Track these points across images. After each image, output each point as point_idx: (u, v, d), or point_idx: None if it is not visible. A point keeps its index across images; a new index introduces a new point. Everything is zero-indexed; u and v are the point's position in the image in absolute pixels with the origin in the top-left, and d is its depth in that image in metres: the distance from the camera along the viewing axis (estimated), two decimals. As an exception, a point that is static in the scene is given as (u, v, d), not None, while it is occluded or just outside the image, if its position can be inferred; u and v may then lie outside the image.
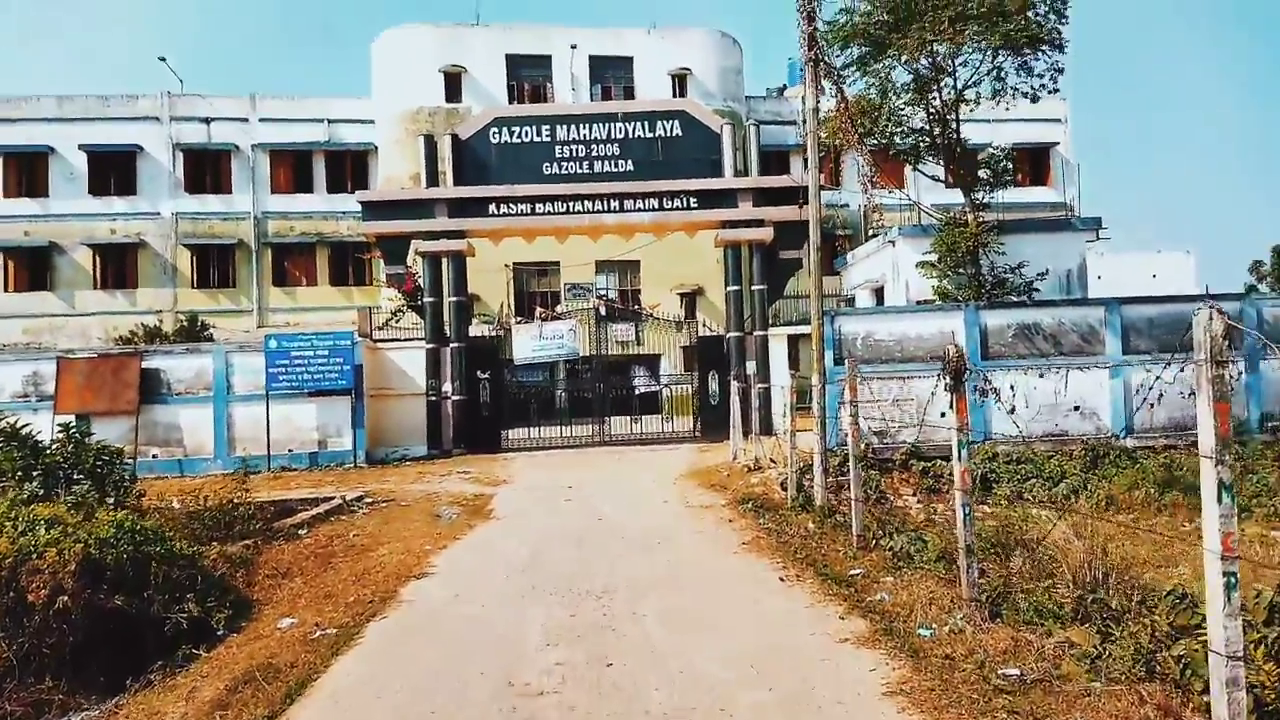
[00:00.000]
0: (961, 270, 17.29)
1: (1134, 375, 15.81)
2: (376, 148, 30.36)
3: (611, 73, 30.47)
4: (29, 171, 29.44)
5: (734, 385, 15.26)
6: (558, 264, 30.53)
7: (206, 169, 30.59)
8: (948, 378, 5.66)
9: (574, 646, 5.15)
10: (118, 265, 29.96)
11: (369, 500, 12.93)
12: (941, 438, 15.55)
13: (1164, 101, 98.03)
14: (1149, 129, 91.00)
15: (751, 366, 19.34)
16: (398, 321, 20.72)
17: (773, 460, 14.00)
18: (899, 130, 17.43)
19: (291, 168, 30.78)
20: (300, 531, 10.10)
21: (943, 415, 15.77)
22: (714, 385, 19.74)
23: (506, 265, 30.27)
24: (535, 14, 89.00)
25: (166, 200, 30.15)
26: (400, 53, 30.07)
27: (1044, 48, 16.22)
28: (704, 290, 30.38)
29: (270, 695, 4.42)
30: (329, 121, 31.01)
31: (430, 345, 19.26)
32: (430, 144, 19.54)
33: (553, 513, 10.84)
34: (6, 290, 29.09)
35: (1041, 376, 15.63)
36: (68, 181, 29.48)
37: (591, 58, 30.46)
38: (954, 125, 17.34)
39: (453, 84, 29.68)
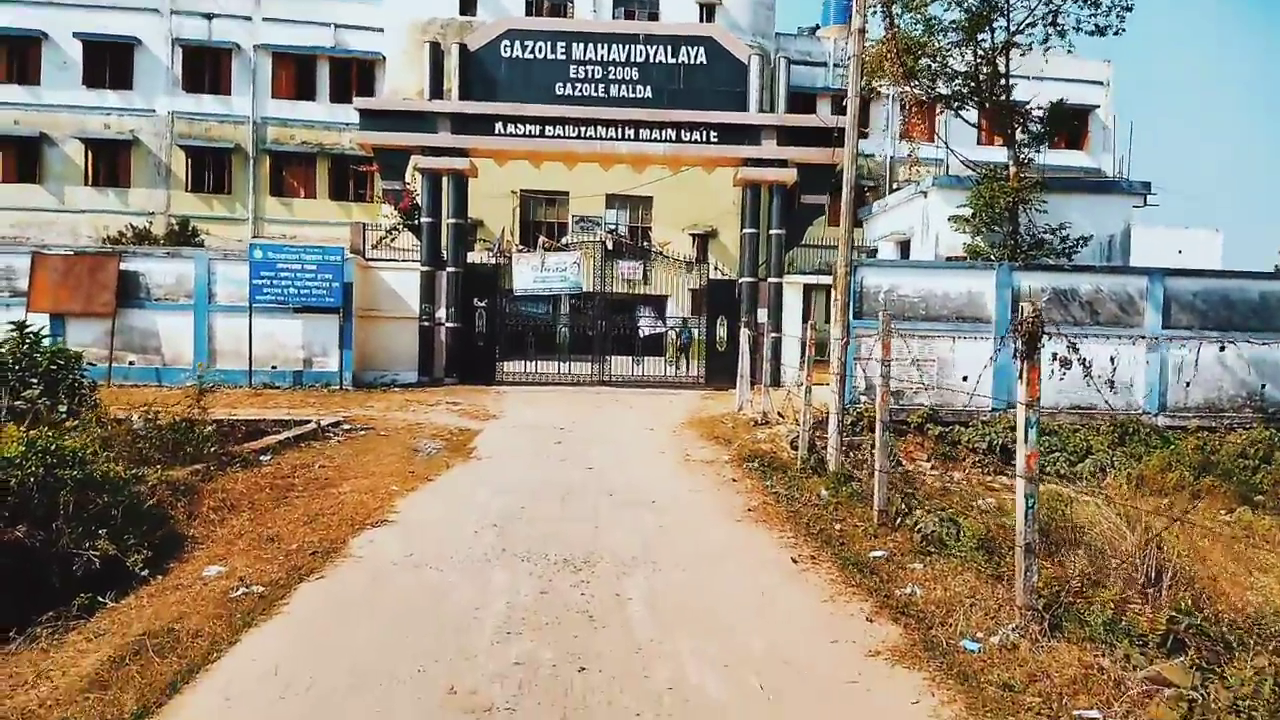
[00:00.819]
0: (998, 228, 16.11)
1: (1173, 351, 14.83)
2: (384, 58, 28.82)
3: (637, 2, 28.76)
4: (20, 57, 27.96)
5: (744, 332, 14.28)
6: (566, 194, 29.22)
7: (206, 67, 29.09)
8: (1019, 341, 4.66)
9: (541, 638, 4.20)
10: (110, 162, 28.69)
11: (346, 427, 12.08)
12: (961, 402, 14.65)
13: (1201, 79, 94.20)
14: (1184, 103, 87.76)
15: (763, 314, 18.33)
16: (393, 240, 19.63)
17: (780, 415, 13.10)
18: (944, 73, 16.07)
19: (294, 72, 29.28)
20: (263, 458, 9.24)
21: (964, 379, 14.84)
22: (722, 331, 18.75)
23: (513, 191, 29.02)
24: None
25: (163, 97, 28.74)
26: (415, -44, 28.33)
27: None
28: (717, 233, 29.17)
29: (155, 677, 3.52)
30: (336, 26, 29.40)
31: (426, 268, 18.23)
32: (436, 53, 18.19)
33: (539, 457, 9.95)
34: (-6, 181, 27.93)
35: (1075, 348, 14.59)
36: (60, 70, 28.03)
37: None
38: (1003, 71, 15.94)
39: (468, -5, 28.03)
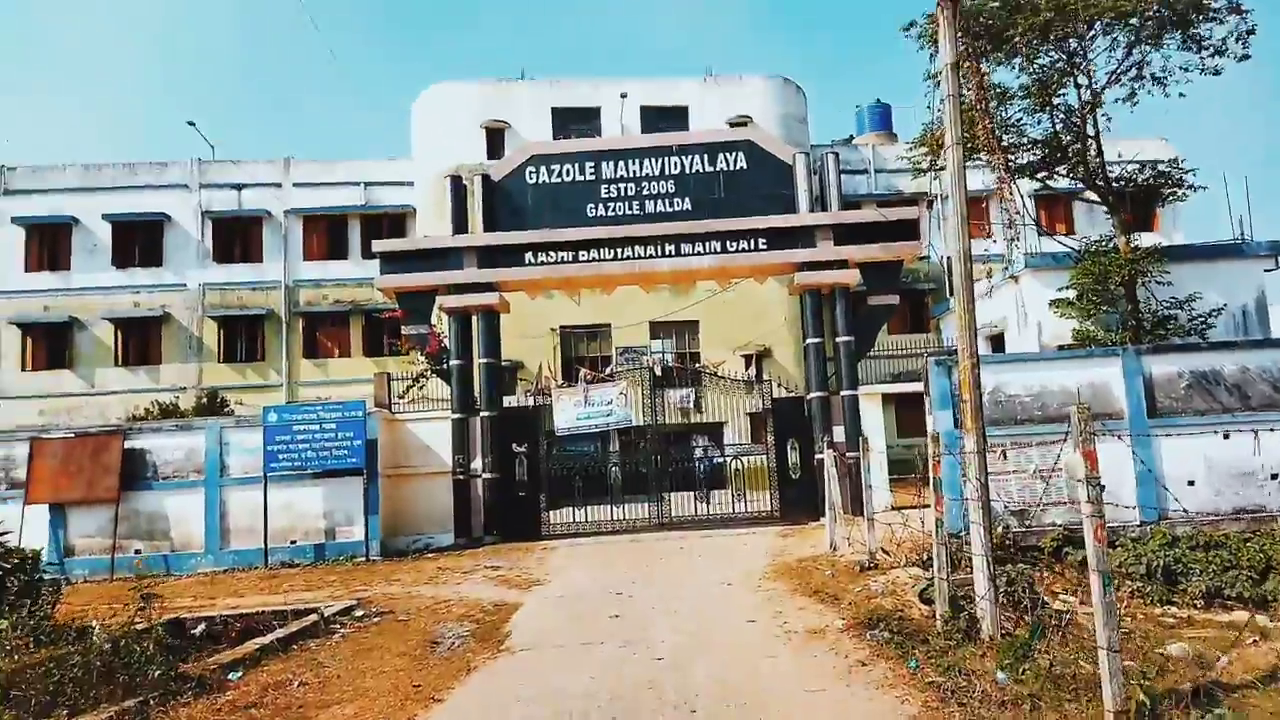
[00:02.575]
0: (1110, 308, 13.89)
1: (1348, 433, 12.15)
2: (415, 209, 28.40)
3: (664, 123, 28.08)
4: (51, 244, 28.05)
5: (828, 455, 12.01)
6: (608, 326, 27.86)
7: (236, 237, 28.91)
8: None
9: None
10: (140, 340, 28.16)
11: (359, 614, 9.91)
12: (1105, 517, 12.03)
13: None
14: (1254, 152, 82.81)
15: (840, 432, 16.05)
16: (421, 389, 18.05)
17: (885, 552, 10.64)
18: (1022, 143, 14.33)
19: (325, 233, 28.94)
20: (231, 675, 7.09)
21: (1102, 489, 12.26)
22: (794, 456, 16.46)
23: (552, 329, 27.75)
24: (584, 69, 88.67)
25: (194, 270, 28.46)
26: (442, 109, 28.33)
27: (1218, 13, 12.94)
28: (770, 351, 27.31)
29: None
30: (366, 185, 29.24)
31: (457, 415, 16.44)
32: (458, 187, 17.10)
33: (591, 644, 7.63)
34: (24, 369, 27.39)
35: (1226, 438, 12.05)
36: (90, 254, 28.00)
37: (643, 108, 28.28)
38: (1091, 130, 14.11)
39: (495, 140, 27.74)
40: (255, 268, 28.68)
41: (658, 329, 28.18)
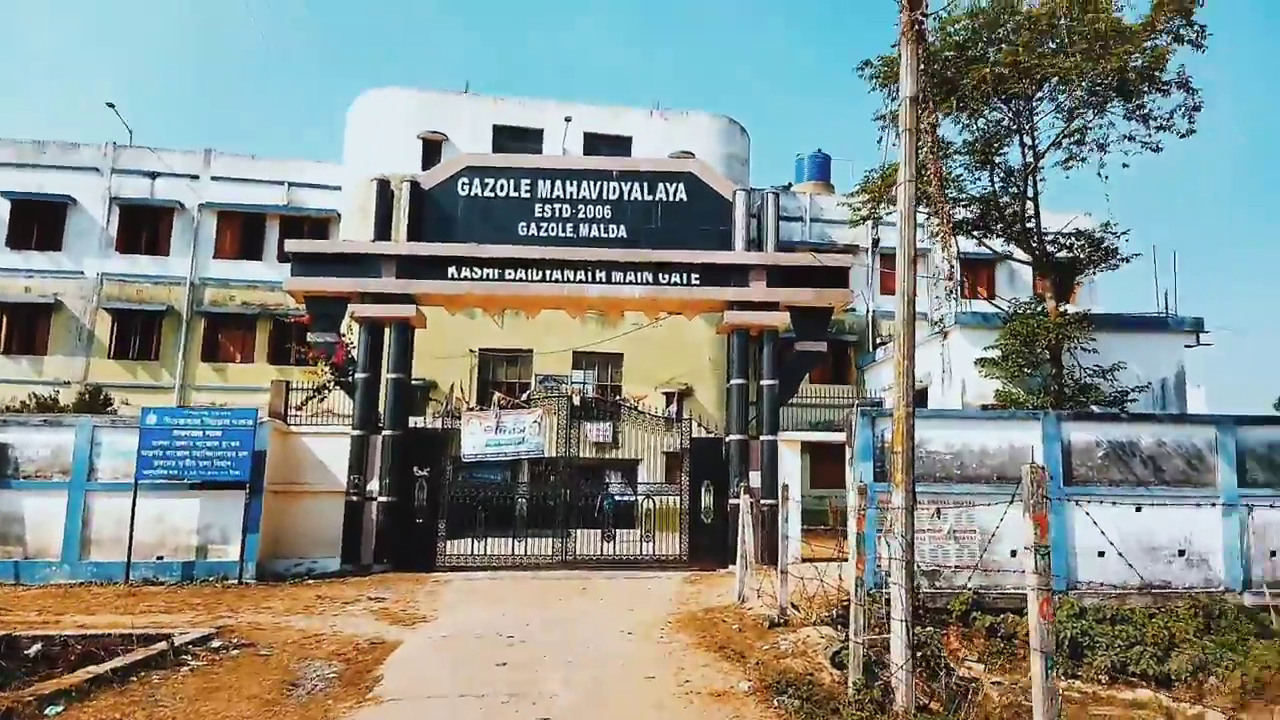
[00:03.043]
0: (1033, 371, 13.87)
1: (1254, 514, 12.26)
2: (339, 215, 27.24)
3: (607, 151, 27.62)
4: (-61, 218, 25.94)
5: (744, 500, 11.48)
6: (530, 352, 27.07)
7: (144, 227, 27.20)
8: None
9: None
10: (26, 327, 26.12)
11: (216, 644, 8.88)
12: (1012, 583, 11.79)
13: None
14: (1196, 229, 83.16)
15: (756, 477, 15.61)
16: (322, 400, 16.94)
17: (795, 607, 10.12)
18: (960, 198, 14.34)
19: (240, 231, 27.48)
20: (50, 709, 6.08)
21: (1013, 554, 12.04)
22: (707, 499, 15.94)
23: (471, 350, 26.82)
24: (531, 87, 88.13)
25: (94, 258, 26.61)
26: (378, 115, 27.38)
27: (1166, 86, 13.17)
28: (692, 390, 26.92)
29: None
30: (289, 185, 27.95)
31: (358, 432, 15.44)
32: (385, 192, 16.27)
33: (470, 695, 6.83)
34: (-105, 351, 25.10)
35: (1139, 510, 12.03)
36: (-20, 231, 25.97)
37: (586, 135, 27.87)
38: (1030, 192, 14.18)
39: (432, 152, 26.86)
40: (160, 261, 26.99)
41: (581, 359, 27.50)
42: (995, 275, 31.11)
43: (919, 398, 18.28)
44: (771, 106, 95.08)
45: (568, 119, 27.13)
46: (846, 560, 11.31)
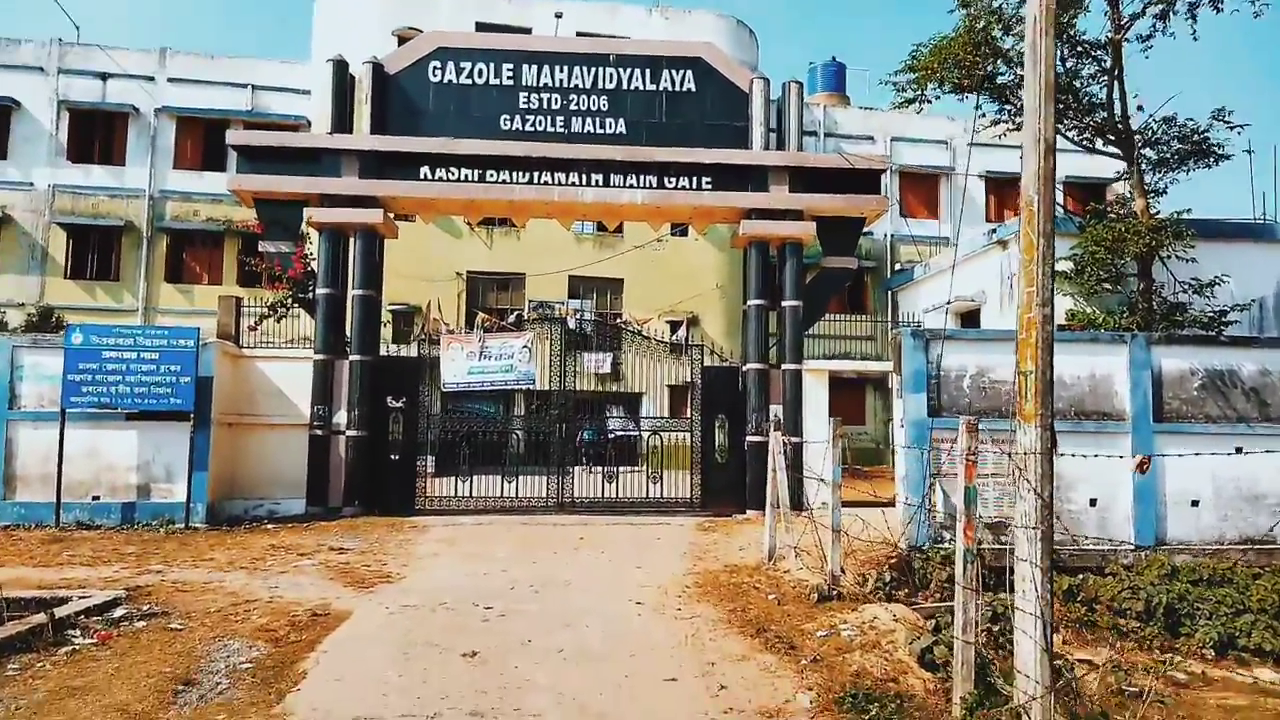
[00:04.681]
0: (1113, 287, 11.81)
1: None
2: (309, 121, 24.75)
3: (602, 52, 25.17)
4: None
5: (775, 437, 9.55)
6: (523, 276, 24.99)
7: (97, 134, 24.67)
8: None
9: None
10: (-28, 245, 23.86)
11: (119, 613, 7.05)
12: (1092, 537, 10.01)
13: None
14: None
15: (777, 411, 13.72)
16: (279, 319, 14.87)
17: (842, 570, 8.25)
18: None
19: (202, 138, 24.96)
20: None
21: (1092, 504, 10.22)
22: (722, 435, 14.07)
23: (459, 274, 24.75)
24: None
25: (43, 169, 24.15)
26: (349, 9, 24.78)
27: None
28: (699, 319, 24.95)
29: None
30: (254, 88, 25.36)
31: (321, 357, 13.44)
32: (342, 76, 13.93)
33: (429, 695, 5.00)
34: None
35: (1239, 452, 10.11)
36: (-85, 136, 23.49)
37: (579, 34, 25.17)
38: (1110, 69, 11.87)
39: (409, 52, 24.23)
40: (115, 172, 24.57)
41: (577, 285, 25.45)
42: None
43: (968, 321, 16.26)
44: (781, 12, 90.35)
45: (558, 15, 24.45)
46: (882, 505, 9.50)
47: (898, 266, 27.60)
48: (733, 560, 9.50)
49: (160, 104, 24.73)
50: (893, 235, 27.74)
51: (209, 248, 24.89)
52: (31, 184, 24.14)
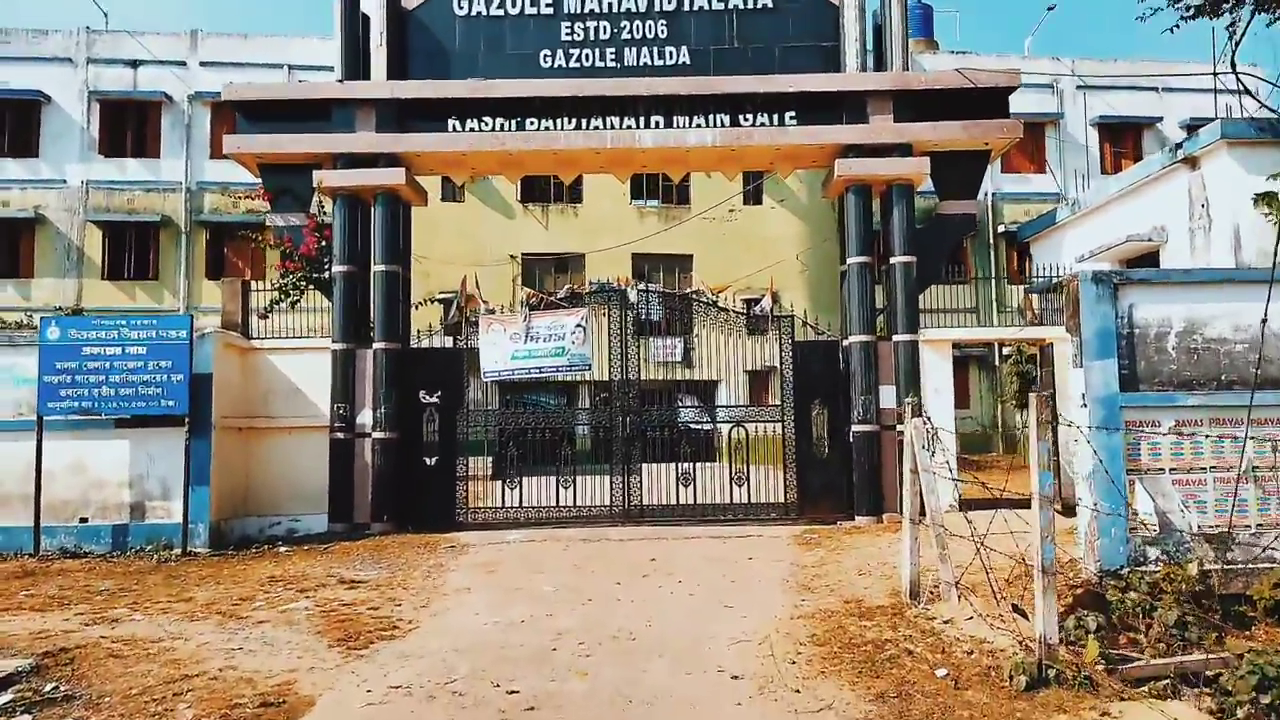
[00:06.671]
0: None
1: None
2: (348, 100, 22.92)
3: None
4: (-108, 121, 22.56)
5: (910, 424, 7.03)
6: (582, 257, 22.83)
7: (129, 125, 23.38)
8: None
9: None
10: (8, 247, 22.80)
11: (4, 700, 5.00)
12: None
13: None
14: None
15: (889, 394, 11.14)
16: (294, 304, 12.97)
17: (1019, 610, 5.72)
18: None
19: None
20: None
21: (1362, 505, 7.42)
22: (819, 425, 11.54)
23: (512, 256, 22.71)
24: None
25: (76, 164, 22.98)
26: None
27: None
28: (778, 296, 22.29)
29: None
30: (290, 68, 23.76)
31: (340, 346, 11.40)
32: (352, 12, 11.81)
33: None
34: None
35: None
36: (-56, 138, 22.54)
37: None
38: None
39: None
40: (150, 164, 23.24)
41: (642, 263, 23.16)
42: (1142, 145, 25.31)
43: (1145, 262, 13.06)
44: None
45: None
46: (1015, 505, 6.80)
47: (1000, 228, 24.52)
48: (855, 593, 7.02)
49: (193, 90, 23.32)
50: (993, 194, 24.63)
51: (251, 241, 23.36)
52: (64, 181, 23.00)
